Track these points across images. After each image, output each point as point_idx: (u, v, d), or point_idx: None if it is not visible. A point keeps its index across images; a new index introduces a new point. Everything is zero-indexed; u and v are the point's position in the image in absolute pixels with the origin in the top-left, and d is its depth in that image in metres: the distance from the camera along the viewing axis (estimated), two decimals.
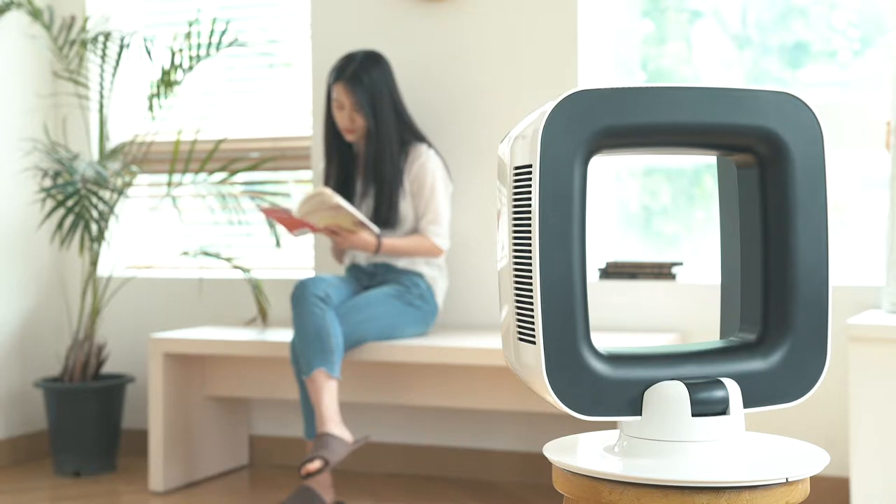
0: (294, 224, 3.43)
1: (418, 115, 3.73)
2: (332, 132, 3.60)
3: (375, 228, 3.43)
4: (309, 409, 3.32)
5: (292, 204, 3.50)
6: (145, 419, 4.11)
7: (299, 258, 4.13)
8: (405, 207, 3.52)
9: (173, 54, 3.93)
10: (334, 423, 3.20)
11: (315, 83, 3.94)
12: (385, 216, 3.50)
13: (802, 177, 1.34)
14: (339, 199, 3.35)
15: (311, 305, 3.25)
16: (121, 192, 3.92)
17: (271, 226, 3.92)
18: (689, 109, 1.31)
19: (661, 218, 3.89)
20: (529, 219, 1.28)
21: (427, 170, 3.50)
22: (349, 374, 3.59)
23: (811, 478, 1.30)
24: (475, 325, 3.76)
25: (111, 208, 3.90)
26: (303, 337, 3.24)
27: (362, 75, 3.48)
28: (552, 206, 1.28)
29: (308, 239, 4.01)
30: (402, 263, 3.55)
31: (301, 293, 3.29)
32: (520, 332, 1.33)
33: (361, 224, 3.39)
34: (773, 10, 3.69)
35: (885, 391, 2.85)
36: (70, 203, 3.79)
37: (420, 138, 3.57)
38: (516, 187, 1.31)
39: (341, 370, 3.33)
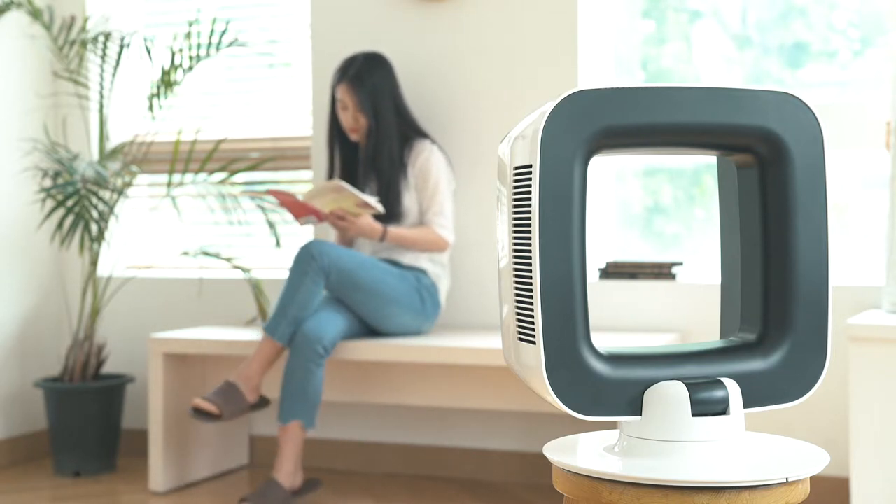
0: (300, 210, 3.45)
1: (418, 115, 3.73)
2: (335, 132, 3.66)
3: (379, 206, 3.43)
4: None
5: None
6: (145, 419, 4.11)
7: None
8: (409, 201, 3.54)
9: (173, 54, 3.93)
10: (286, 474, 3.29)
11: (315, 83, 3.94)
12: (387, 209, 3.51)
13: (802, 177, 1.34)
14: (344, 183, 3.40)
15: (308, 354, 3.28)
16: (121, 192, 3.92)
17: (271, 226, 3.92)
18: (689, 109, 1.31)
19: (661, 218, 3.89)
20: (529, 219, 1.28)
21: (431, 164, 3.53)
22: (349, 374, 3.59)
23: (811, 478, 1.30)
24: (475, 325, 3.76)
25: (111, 208, 3.90)
26: (291, 385, 3.29)
27: (365, 76, 3.53)
28: (552, 206, 1.28)
29: (309, 235, 4.01)
30: (406, 260, 3.56)
31: (304, 342, 3.30)
32: (520, 332, 1.33)
33: (365, 205, 3.41)
34: (773, 10, 3.69)
35: (885, 391, 2.85)
36: (70, 203, 3.79)
37: (423, 135, 3.59)
38: (516, 187, 1.31)
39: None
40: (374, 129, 3.54)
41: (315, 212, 3.42)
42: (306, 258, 3.33)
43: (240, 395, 3.33)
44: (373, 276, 3.41)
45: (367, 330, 3.49)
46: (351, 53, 3.64)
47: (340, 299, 3.42)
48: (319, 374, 3.29)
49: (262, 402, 3.44)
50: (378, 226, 3.46)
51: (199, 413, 3.29)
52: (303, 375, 3.27)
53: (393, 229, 3.49)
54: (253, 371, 3.35)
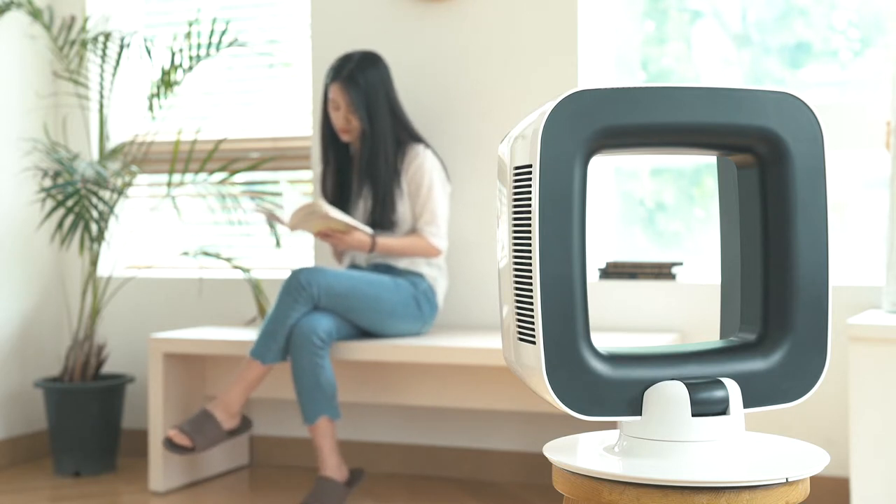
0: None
1: (418, 115, 3.73)
2: (328, 133, 3.60)
3: (368, 229, 3.43)
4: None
5: (285, 212, 3.48)
6: (145, 419, 4.11)
7: (299, 258, 4.13)
8: (403, 208, 3.52)
9: (173, 54, 3.93)
10: (333, 468, 3.31)
11: (315, 83, 3.94)
12: (381, 218, 3.50)
13: (802, 177, 1.34)
14: (330, 209, 3.35)
15: (310, 351, 3.27)
16: (121, 192, 3.92)
17: (271, 226, 3.92)
18: (689, 109, 1.31)
19: (662, 217, 3.89)
20: (529, 219, 1.28)
21: (424, 170, 3.50)
22: (349, 374, 3.59)
23: (811, 478, 1.30)
24: (475, 325, 3.76)
25: (111, 208, 3.90)
26: (303, 384, 3.28)
27: (358, 76, 3.48)
28: (552, 206, 1.27)
29: (308, 238, 4.01)
30: (402, 264, 3.54)
31: (301, 339, 3.29)
32: (520, 332, 1.33)
33: (354, 228, 3.40)
34: (773, 10, 3.69)
35: (885, 391, 2.85)
36: (70, 203, 3.79)
37: (416, 139, 3.56)
38: (516, 187, 1.31)
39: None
40: (368, 134, 3.49)
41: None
42: (296, 287, 3.31)
43: (215, 425, 3.33)
44: (367, 295, 3.38)
45: (362, 331, 3.48)
46: (345, 52, 3.62)
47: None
48: (327, 364, 3.28)
49: (244, 427, 3.44)
50: (367, 239, 3.44)
51: (172, 445, 3.29)
52: (311, 371, 3.26)
53: (382, 240, 3.46)
54: (232, 398, 3.35)
